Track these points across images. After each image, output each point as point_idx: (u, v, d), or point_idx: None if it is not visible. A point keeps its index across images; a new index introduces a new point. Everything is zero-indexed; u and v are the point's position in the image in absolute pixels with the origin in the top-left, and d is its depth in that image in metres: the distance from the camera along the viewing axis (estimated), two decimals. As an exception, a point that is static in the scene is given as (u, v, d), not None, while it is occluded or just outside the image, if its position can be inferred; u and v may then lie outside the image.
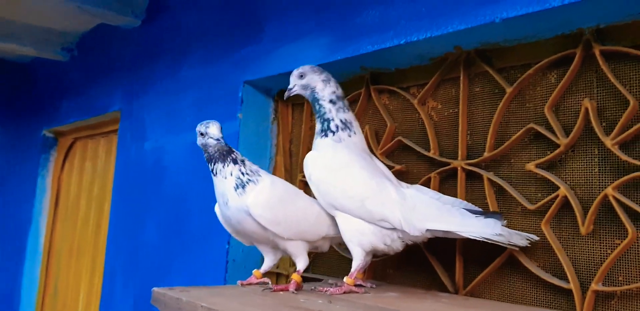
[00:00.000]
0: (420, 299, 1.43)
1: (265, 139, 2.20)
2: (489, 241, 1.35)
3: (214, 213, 2.09)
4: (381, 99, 1.87)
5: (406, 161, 1.77)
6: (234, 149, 1.56)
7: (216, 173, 1.54)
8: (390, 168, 1.74)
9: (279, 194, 1.55)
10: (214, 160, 1.54)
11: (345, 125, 1.52)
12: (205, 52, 2.40)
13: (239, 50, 2.20)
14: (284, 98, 1.62)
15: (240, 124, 2.14)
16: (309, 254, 1.61)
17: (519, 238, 1.38)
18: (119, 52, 3.11)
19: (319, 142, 1.53)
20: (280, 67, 1.97)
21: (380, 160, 1.62)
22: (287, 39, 1.98)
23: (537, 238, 1.39)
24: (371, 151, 1.79)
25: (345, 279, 1.47)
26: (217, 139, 1.53)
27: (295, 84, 1.58)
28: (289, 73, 1.61)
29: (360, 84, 1.91)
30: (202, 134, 1.54)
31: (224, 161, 1.53)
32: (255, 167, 1.57)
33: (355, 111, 1.89)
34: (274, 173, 2.18)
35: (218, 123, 1.56)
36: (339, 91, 1.56)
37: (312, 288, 1.54)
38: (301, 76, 1.56)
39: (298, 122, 2.17)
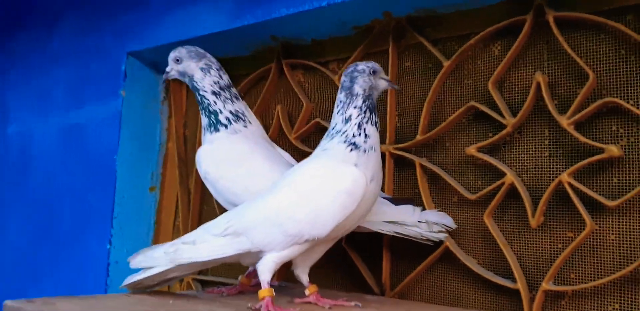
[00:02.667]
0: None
1: (154, 122, 2.05)
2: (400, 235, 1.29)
3: (92, 209, 2.01)
4: (295, 75, 1.75)
5: None
6: None
7: (377, 127, 1.20)
8: (306, 153, 1.61)
9: None
10: (374, 110, 1.19)
11: (238, 116, 1.39)
12: (80, 19, 2.23)
13: (121, 17, 2.03)
14: (162, 81, 1.43)
15: (124, 103, 1.97)
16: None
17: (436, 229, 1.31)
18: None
19: (210, 137, 1.38)
20: (172, 35, 1.80)
21: (283, 148, 1.52)
22: (181, 2, 1.81)
23: (454, 226, 1.32)
24: (283, 135, 1.70)
25: (240, 278, 1.39)
26: (390, 81, 1.22)
27: (172, 68, 1.41)
28: (182, 43, 1.51)
29: (270, 57, 1.77)
30: (374, 72, 1.19)
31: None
32: None
33: (264, 89, 1.78)
34: (164, 164, 2.04)
35: None
36: (223, 80, 1.40)
37: (200, 290, 1.47)
38: (177, 61, 1.40)
39: (194, 103, 2.01)
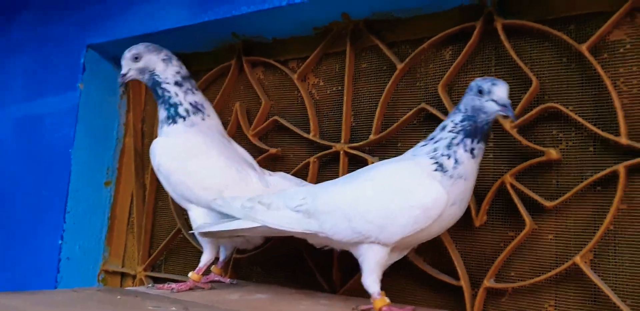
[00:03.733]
0: (295, 300, 1.30)
1: (111, 116, 2.00)
2: None
3: (45, 204, 1.96)
4: (255, 73, 1.75)
5: (282, 144, 1.66)
6: None
7: (475, 155, 1.07)
8: (263, 151, 1.65)
9: None
10: (478, 135, 1.07)
11: (197, 108, 1.39)
12: (40, 9, 2.16)
13: (82, 8, 1.97)
14: (119, 84, 1.41)
15: (82, 96, 1.93)
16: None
17: None
18: None
19: (166, 129, 1.38)
20: (133, 29, 1.77)
21: (240, 145, 1.51)
22: None
23: None
24: (241, 132, 1.70)
25: (190, 274, 1.36)
26: (503, 106, 1.05)
27: (129, 69, 1.40)
28: (143, 37, 1.50)
29: (230, 54, 1.76)
30: (481, 91, 1.05)
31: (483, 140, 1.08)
32: None
33: (223, 85, 1.77)
34: (120, 158, 2.01)
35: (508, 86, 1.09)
36: (184, 70, 1.41)
37: (150, 285, 1.44)
38: (136, 58, 1.39)
39: (152, 98, 1.92)
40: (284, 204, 1.14)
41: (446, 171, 1.05)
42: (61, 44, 2.03)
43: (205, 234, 1.29)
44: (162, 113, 1.39)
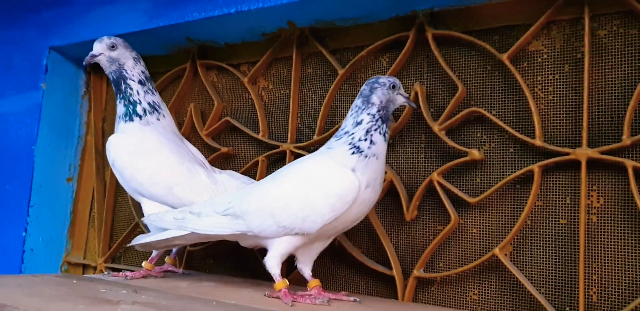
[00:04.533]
0: (238, 288, 1.35)
1: (73, 115, 2.03)
2: None
3: (9, 197, 1.98)
4: (209, 75, 1.79)
5: (234, 143, 1.70)
6: None
7: (386, 138, 1.20)
8: (215, 150, 1.69)
9: None
10: (386, 121, 1.20)
11: (154, 108, 1.43)
12: (4, 11, 2.12)
13: (44, 12, 1.98)
14: (83, 63, 1.45)
15: (44, 95, 1.95)
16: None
17: None
18: None
19: (123, 126, 1.42)
20: (94, 32, 1.78)
21: (194, 144, 1.56)
22: (102, 0, 1.81)
23: None
24: (195, 131, 1.73)
25: (143, 263, 1.41)
26: (407, 98, 1.24)
27: (102, 53, 1.42)
28: None
29: (186, 58, 1.80)
30: (393, 87, 1.20)
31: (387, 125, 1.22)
32: None
33: (179, 87, 1.80)
34: (82, 156, 2.03)
35: None
36: (147, 72, 1.46)
37: (106, 273, 1.48)
38: (113, 47, 1.41)
39: (113, 98, 2.00)
40: (212, 211, 1.20)
41: (362, 151, 1.14)
42: (24, 46, 2.03)
43: (143, 246, 1.33)
44: (120, 109, 1.42)
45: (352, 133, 1.16)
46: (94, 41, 1.67)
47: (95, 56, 1.42)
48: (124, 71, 1.42)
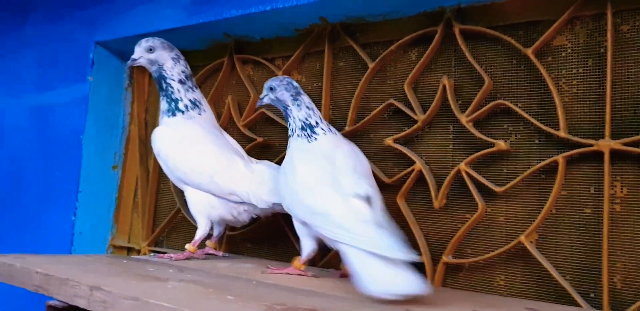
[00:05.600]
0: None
1: (118, 106, 2.08)
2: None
3: (59, 184, 2.05)
4: (245, 69, 1.82)
5: (269, 134, 1.74)
6: None
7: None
8: (252, 140, 1.73)
9: None
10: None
11: (195, 104, 1.49)
12: (52, 7, 2.21)
13: (90, 8, 2.04)
14: (127, 66, 1.52)
15: (91, 88, 2.00)
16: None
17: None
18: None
19: (166, 120, 1.49)
20: (136, 28, 1.85)
21: (230, 136, 1.60)
22: None
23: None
24: (233, 122, 1.78)
25: (187, 246, 1.48)
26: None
27: (141, 56, 1.49)
28: (145, 35, 1.54)
29: (223, 52, 1.84)
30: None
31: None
32: None
33: (217, 80, 1.85)
34: (126, 145, 2.09)
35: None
36: (188, 70, 1.51)
37: (151, 254, 1.54)
38: (150, 50, 1.48)
39: (155, 90, 2.05)
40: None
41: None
42: (71, 41, 2.09)
43: None
44: (163, 105, 1.50)
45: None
46: (137, 36, 1.74)
47: (135, 59, 1.49)
48: (163, 71, 1.48)
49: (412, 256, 1.03)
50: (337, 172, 1.26)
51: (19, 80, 2.33)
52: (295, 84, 1.38)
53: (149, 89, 2.10)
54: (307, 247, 1.29)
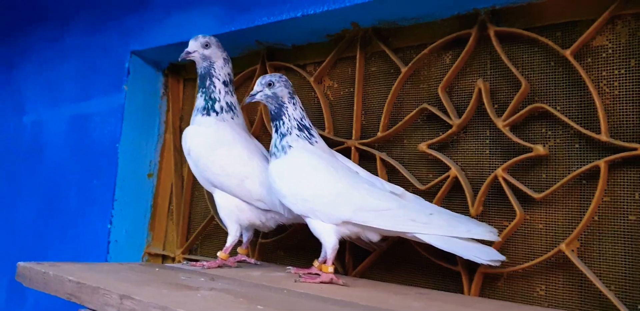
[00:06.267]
0: None
1: (153, 114, 2.11)
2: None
3: (95, 192, 2.07)
4: None
5: None
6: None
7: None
8: None
9: None
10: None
11: (230, 108, 1.49)
12: (90, 19, 2.26)
13: (125, 18, 2.08)
14: (179, 59, 1.51)
15: (126, 97, 2.03)
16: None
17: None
18: (-5, 17, 2.87)
19: (200, 119, 1.48)
20: (170, 37, 1.88)
21: (263, 141, 1.61)
22: (178, 7, 1.88)
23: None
24: (265, 130, 1.78)
25: (219, 253, 1.47)
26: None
27: (196, 51, 1.48)
28: (179, 44, 1.58)
29: (256, 59, 1.85)
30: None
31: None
32: None
33: (250, 87, 1.83)
34: (161, 153, 2.11)
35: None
36: (232, 75, 1.53)
37: (184, 262, 1.54)
38: (206, 45, 1.48)
39: (190, 99, 2.09)
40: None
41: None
42: (107, 51, 2.12)
43: None
44: (199, 102, 1.48)
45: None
46: (171, 46, 1.76)
47: (189, 53, 1.48)
48: (212, 69, 1.48)
49: (493, 236, 1.23)
50: (357, 170, 1.38)
51: (57, 90, 2.38)
52: (290, 82, 1.38)
53: (184, 97, 2.12)
54: (330, 243, 1.29)
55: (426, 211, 1.27)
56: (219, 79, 1.48)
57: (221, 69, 1.48)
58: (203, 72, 1.49)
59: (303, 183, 1.29)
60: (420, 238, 1.24)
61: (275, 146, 1.34)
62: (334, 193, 1.27)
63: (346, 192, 1.27)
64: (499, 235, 1.26)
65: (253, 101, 1.36)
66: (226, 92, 1.48)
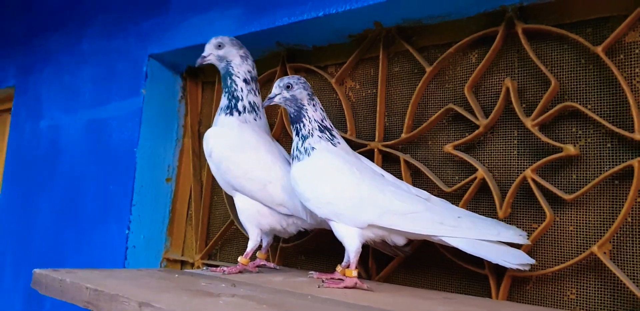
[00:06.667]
0: None
1: (171, 118, 2.10)
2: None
3: (113, 197, 2.06)
4: None
5: None
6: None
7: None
8: None
9: None
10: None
11: (253, 108, 1.48)
12: (107, 23, 2.26)
13: (143, 22, 2.07)
14: (195, 64, 1.51)
15: (144, 101, 2.02)
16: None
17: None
18: (12, 23, 2.89)
19: (222, 119, 1.46)
20: (189, 40, 1.87)
21: (284, 144, 1.59)
22: (196, 9, 1.88)
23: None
24: (285, 132, 1.76)
25: (239, 258, 1.45)
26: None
27: (210, 53, 1.48)
28: (198, 47, 1.55)
29: (276, 61, 1.83)
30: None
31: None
32: None
33: (269, 89, 1.80)
34: (180, 157, 2.10)
35: None
36: (254, 72, 1.50)
37: (204, 268, 1.53)
38: (219, 46, 1.47)
39: (208, 102, 2.08)
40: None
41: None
42: (125, 54, 2.12)
43: None
44: (223, 101, 1.47)
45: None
46: (189, 48, 1.75)
47: (205, 57, 1.48)
48: (230, 67, 1.47)
49: (522, 239, 1.21)
50: (381, 172, 1.37)
51: (75, 95, 2.38)
52: (308, 83, 1.36)
53: (202, 101, 2.11)
54: (353, 246, 1.27)
55: (454, 214, 1.24)
56: (239, 77, 1.46)
57: (239, 67, 1.47)
58: (223, 73, 1.49)
59: (327, 186, 1.27)
60: (447, 241, 1.21)
61: (298, 148, 1.32)
62: (359, 195, 1.24)
63: (371, 194, 1.24)
64: (528, 238, 1.23)
65: (271, 103, 1.35)
66: (249, 91, 1.47)
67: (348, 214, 1.25)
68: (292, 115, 1.34)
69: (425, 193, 1.32)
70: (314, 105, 1.33)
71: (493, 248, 1.20)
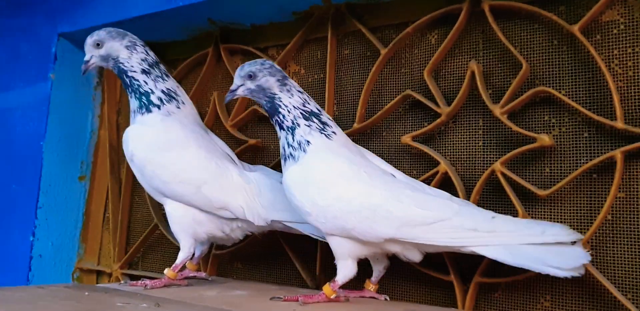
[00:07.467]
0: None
1: (86, 108, 1.98)
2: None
3: (15, 198, 1.94)
4: (233, 60, 1.71)
5: (262, 135, 1.63)
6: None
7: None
8: (243, 142, 1.62)
9: None
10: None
11: (170, 95, 1.34)
12: None
13: None
14: (82, 73, 1.38)
15: (53, 87, 1.90)
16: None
17: None
18: None
19: (140, 118, 1.33)
20: (104, 17, 1.75)
21: (218, 136, 1.47)
22: None
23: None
24: (219, 122, 1.68)
25: (166, 271, 1.33)
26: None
27: (92, 56, 1.35)
28: (115, 24, 1.47)
29: (207, 42, 1.75)
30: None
31: None
32: None
33: (200, 74, 1.74)
34: (95, 152, 1.99)
35: None
36: (151, 57, 1.36)
37: (123, 282, 1.42)
38: (98, 45, 1.34)
39: None
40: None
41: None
42: (31, 33, 1.99)
43: None
44: (133, 103, 1.35)
45: None
46: (105, 26, 1.62)
47: (87, 61, 1.36)
48: (120, 64, 1.34)
49: (574, 236, 1.05)
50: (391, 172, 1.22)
51: (-28, 81, 2.26)
52: (277, 66, 1.21)
53: (121, 88, 1.99)
54: (347, 269, 1.14)
55: (486, 215, 1.09)
56: (135, 71, 1.34)
57: (130, 60, 1.34)
58: (117, 72, 1.37)
59: (330, 196, 1.10)
60: (480, 252, 1.06)
61: (290, 144, 1.15)
62: (370, 206, 1.08)
63: (385, 203, 1.08)
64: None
65: (234, 97, 1.20)
66: (155, 80, 1.34)
67: (359, 230, 1.09)
68: (265, 107, 1.19)
69: (445, 194, 1.17)
70: (288, 90, 1.17)
71: (537, 252, 1.03)
